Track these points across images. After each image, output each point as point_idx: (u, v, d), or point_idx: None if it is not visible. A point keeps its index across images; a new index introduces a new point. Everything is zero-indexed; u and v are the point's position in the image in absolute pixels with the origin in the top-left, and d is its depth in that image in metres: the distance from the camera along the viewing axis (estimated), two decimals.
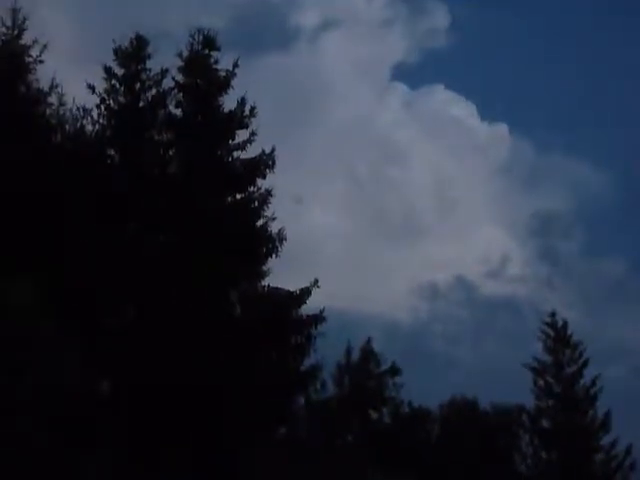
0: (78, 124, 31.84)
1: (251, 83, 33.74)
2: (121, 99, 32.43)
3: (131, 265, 29.25)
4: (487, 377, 66.61)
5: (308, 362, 31.93)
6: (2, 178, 28.23)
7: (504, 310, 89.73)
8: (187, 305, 29.14)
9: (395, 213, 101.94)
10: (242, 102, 32.53)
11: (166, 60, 32.91)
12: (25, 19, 31.57)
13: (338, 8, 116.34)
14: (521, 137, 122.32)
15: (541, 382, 56.41)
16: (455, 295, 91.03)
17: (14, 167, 28.34)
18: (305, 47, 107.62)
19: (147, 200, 30.84)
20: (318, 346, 31.55)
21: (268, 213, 32.00)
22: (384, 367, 57.02)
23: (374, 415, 57.23)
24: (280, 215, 32.19)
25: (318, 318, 31.39)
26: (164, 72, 32.78)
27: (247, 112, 32.44)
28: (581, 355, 56.31)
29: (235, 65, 32.88)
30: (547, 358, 56.67)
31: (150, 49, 32.83)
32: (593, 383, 55.53)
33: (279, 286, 31.68)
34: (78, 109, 31.85)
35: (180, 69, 32.88)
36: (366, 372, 56.87)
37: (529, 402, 56.99)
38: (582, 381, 55.91)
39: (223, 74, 32.95)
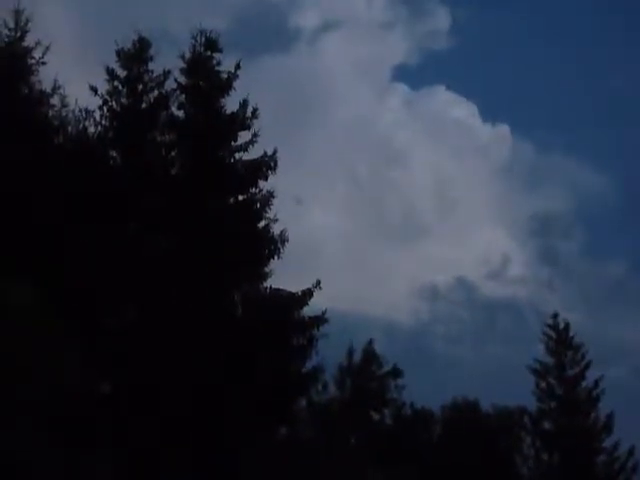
0: (80, 125, 31.92)
1: (252, 84, 33.77)
2: (123, 100, 32.49)
3: (132, 266, 29.29)
4: (487, 378, 66.70)
5: (310, 363, 32.05)
6: (4, 179, 28.28)
7: (505, 311, 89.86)
8: (188, 306, 29.17)
9: (396, 214, 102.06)
10: (244, 104, 32.56)
11: (167, 61, 33.11)
12: (28, 21, 31.68)
13: (339, 9, 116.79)
14: (522, 138, 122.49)
15: (543, 384, 56.44)
16: (456, 296, 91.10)
17: (16, 168, 28.39)
18: (306, 48, 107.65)
19: (149, 201, 30.88)
20: (319, 347, 31.63)
21: (270, 215, 32.06)
22: (386, 369, 57.07)
23: (376, 417, 57.28)
24: (281, 216, 32.27)
25: (320, 320, 31.41)
26: (166, 74, 32.85)
27: (249, 114, 32.46)
28: (583, 357, 56.34)
29: (237, 67, 32.93)
30: (549, 360, 56.73)
31: (152, 51, 32.93)
32: (595, 385, 55.53)
33: (280, 287, 31.70)
34: (80, 111, 31.95)
35: (182, 71, 32.93)
36: (368, 374, 56.88)
37: (530, 403, 57.17)
38: (584, 383, 55.93)
39: (225, 76, 32.97)
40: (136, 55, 32.76)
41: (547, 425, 56.60)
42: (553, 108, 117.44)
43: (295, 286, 31.69)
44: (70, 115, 31.84)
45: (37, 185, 28.48)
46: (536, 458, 56.83)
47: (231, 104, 32.93)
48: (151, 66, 32.89)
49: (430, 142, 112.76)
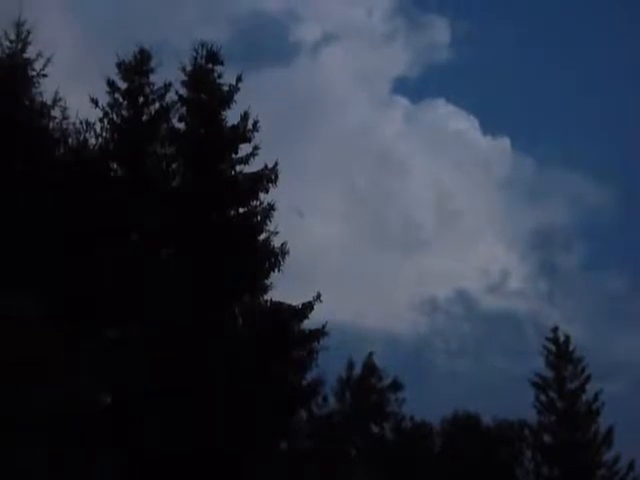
0: (81, 137, 31.87)
1: (251, 96, 33.70)
2: (124, 113, 32.49)
3: (133, 278, 29.26)
4: (487, 391, 66.62)
5: (310, 376, 32.01)
6: (4, 190, 28.27)
7: (505, 324, 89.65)
8: (189, 319, 29.13)
9: (396, 226, 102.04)
10: (245, 116, 32.58)
11: (166, 73, 33.09)
12: (29, 32, 31.67)
13: (339, 21, 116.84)
14: (523, 151, 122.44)
15: (543, 397, 56.43)
16: (456, 309, 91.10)
17: (16, 180, 28.39)
18: (305, 61, 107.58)
19: (149, 214, 30.87)
20: (319, 360, 31.60)
21: (271, 227, 32.06)
22: (386, 382, 57.02)
23: (376, 430, 57.17)
24: (279, 228, 32.27)
25: (320, 332, 31.39)
26: (167, 86, 32.87)
27: (250, 126, 32.49)
28: (583, 370, 56.32)
29: (238, 79, 32.94)
30: (549, 373, 56.69)
31: (153, 63, 32.95)
32: (595, 398, 55.50)
33: (278, 299, 31.69)
34: (81, 122, 31.92)
35: (183, 83, 32.95)
36: (368, 387, 56.80)
37: (529, 416, 57.11)
38: (584, 396, 55.89)
39: (226, 88, 33.00)
40: (137, 67, 32.78)
41: (547, 438, 56.54)
42: (554, 121, 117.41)
43: (293, 298, 31.73)
44: (71, 127, 31.84)
45: (37, 197, 28.46)
46: (536, 471, 56.74)
47: (232, 117, 33.03)
48: (152, 78, 32.97)
49: (431, 154, 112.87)
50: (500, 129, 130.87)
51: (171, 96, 32.88)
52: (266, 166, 32.18)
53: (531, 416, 56.98)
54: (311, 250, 74.61)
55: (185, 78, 32.87)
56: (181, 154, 32.53)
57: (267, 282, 31.89)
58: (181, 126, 32.91)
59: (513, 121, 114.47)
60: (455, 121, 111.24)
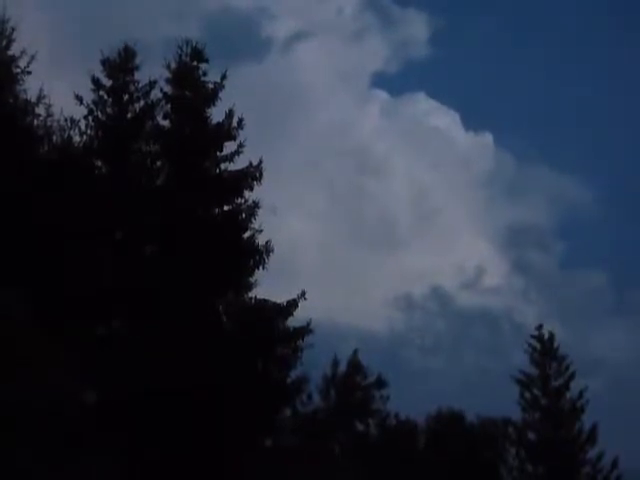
0: (65, 135, 31.83)
1: (227, 94, 33.57)
2: (109, 110, 32.44)
3: (117, 276, 29.23)
4: (464, 388, 66.92)
5: (294, 374, 32.06)
6: None
7: (483, 322, 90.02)
8: (173, 316, 29.12)
9: (373, 223, 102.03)
10: (230, 114, 32.57)
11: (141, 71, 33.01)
12: (13, 30, 31.59)
13: (315, 17, 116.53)
14: (503, 147, 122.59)
15: (527, 395, 56.51)
16: (431, 305, 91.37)
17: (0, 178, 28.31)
18: (279, 57, 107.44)
19: (134, 211, 30.84)
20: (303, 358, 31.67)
21: (255, 225, 32.08)
22: (371, 379, 57.12)
23: (360, 427, 57.27)
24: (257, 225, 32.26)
25: (305, 330, 31.43)
26: (152, 84, 32.82)
27: (235, 124, 32.49)
28: (568, 368, 56.45)
29: (223, 77, 32.94)
30: (533, 371, 56.82)
31: (138, 60, 32.92)
32: (580, 396, 55.66)
33: (258, 296, 31.74)
34: (66, 120, 31.87)
35: (168, 80, 32.90)
36: (353, 384, 56.88)
37: (509, 411, 57.16)
38: (568, 394, 56.05)
39: (211, 86, 32.99)
40: (121, 65, 32.74)
41: (531, 436, 56.66)
42: (535, 117, 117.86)
43: (270, 295, 31.83)
44: (55, 124, 31.79)
45: (21, 195, 28.38)
46: (520, 469, 56.84)
47: (217, 114, 33.00)
48: (137, 76, 32.92)
49: (410, 150, 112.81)
50: (482, 124, 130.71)
51: (156, 93, 32.89)
52: (251, 164, 32.19)
53: (513, 413, 57.19)
54: (287, 247, 74.56)
55: (169, 75, 32.83)
56: (166, 152, 32.50)
57: (251, 280, 31.94)
58: (166, 124, 32.90)
59: (495, 116, 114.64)
60: (436, 116, 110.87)
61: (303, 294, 31.46)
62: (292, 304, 31.42)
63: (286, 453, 36.44)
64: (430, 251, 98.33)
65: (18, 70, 31.31)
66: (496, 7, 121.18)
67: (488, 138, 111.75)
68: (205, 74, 33.10)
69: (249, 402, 29.28)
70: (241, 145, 32.36)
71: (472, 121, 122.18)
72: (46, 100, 31.52)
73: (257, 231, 31.91)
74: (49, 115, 31.66)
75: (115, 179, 31.39)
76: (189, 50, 33.03)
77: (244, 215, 32.03)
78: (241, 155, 32.37)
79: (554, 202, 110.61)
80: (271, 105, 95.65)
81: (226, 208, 32.40)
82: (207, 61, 33.20)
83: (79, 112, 32.03)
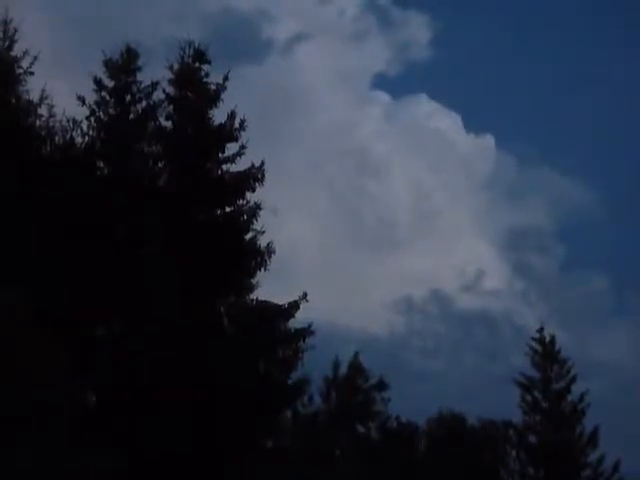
0: (68, 136, 31.84)
1: (229, 95, 33.62)
2: (111, 111, 32.46)
3: (118, 277, 29.23)
4: (464, 391, 66.84)
5: (295, 375, 32.06)
6: None
7: (484, 324, 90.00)
8: (175, 318, 29.12)
9: (374, 225, 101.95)
10: (232, 115, 32.59)
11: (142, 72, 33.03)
12: (16, 31, 31.65)
13: (316, 19, 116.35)
14: (504, 150, 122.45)
15: (528, 397, 56.45)
16: (432, 308, 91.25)
17: (1, 178, 28.32)
18: (280, 59, 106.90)
19: (135, 212, 30.85)
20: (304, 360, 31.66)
21: (257, 226, 32.07)
22: (372, 381, 57.09)
23: (361, 429, 57.24)
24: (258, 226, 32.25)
25: (307, 331, 31.43)
26: (154, 84, 32.82)
27: (237, 125, 32.50)
28: (569, 371, 56.40)
29: (225, 78, 32.96)
30: (534, 373, 56.77)
31: (140, 62, 32.93)
32: (581, 399, 55.60)
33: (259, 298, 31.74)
34: (68, 121, 31.90)
35: (170, 81, 32.91)
36: (354, 386, 56.85)
37: (509, 414, 57.12)
38: (570, 397, 55.98)
39: (213, 87, 33.00)
40: (124, 65, 32.75)
41: (532, 439, 56.61)
42: (536, 120, 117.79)
43: (270, 296, 31.84)
44: (57, 125, 31.80)
45: (23, 195, 28.42)
46: (521, 472, 56.80)
47: (219, 115, 33.01)
48: (139, 77, 32.95)
49: (411, 152, 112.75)
50: (484, 126, 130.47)
51: (158, 94, 32.91)
52: (253, 165, 32.19)
53: (514, 416, 57.16)
54: (287, 249, 74.48)
55: (172, 76, 32.84)
56: (168, 153, 32.51)
57: (253, 281, 31.94)
58: (168, 124, 32.92)
59: (497, 118, 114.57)
60: (437, 118, 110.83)
61: (304, 296, 31.49)
62: (293, 306, 31.43)
63: (286, 454, 36.49)
64: (431, 253, 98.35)
65: (20, 71, 31.40)
66: (497, 9, 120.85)
67: (489, 140, 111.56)
68: (207, 75, 33.13)
69: (250, 403, 29.28)
70: (243, 147, 32.38)
71: (473, 123, 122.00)
72: (48, 101, 31.64)
73: (259, 232, 31.93)
74: (51, 116, 31.72)
75: (117, 180, 31.39)
76: (191, 51, 33.05)
77: (245, 216, 32.03)
78: (243, 157, 32.42)
79: (555, 204, 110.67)
80: (272, 107, 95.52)
81: (228, 209, 32.42)
82: (209, 62, 33.22)
83: (81, 113, 32.12)
